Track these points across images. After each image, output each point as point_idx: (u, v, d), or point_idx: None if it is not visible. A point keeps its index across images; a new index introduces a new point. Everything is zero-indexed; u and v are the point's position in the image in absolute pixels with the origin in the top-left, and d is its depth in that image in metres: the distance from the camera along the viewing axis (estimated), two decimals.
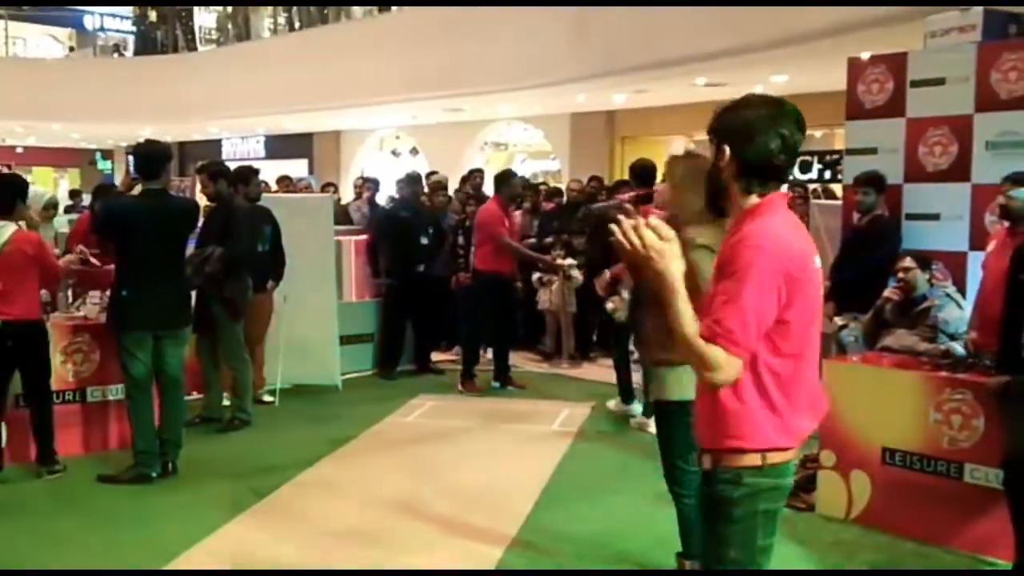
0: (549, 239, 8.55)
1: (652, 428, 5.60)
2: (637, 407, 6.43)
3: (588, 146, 14.79)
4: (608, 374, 7.91)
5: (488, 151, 18.13)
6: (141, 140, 5.51)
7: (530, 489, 4.99)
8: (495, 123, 16.98)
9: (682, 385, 3.25)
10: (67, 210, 13.23)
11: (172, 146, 22.83)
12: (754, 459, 2.18)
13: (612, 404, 6.68)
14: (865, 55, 5.63)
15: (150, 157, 5.22)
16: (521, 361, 8.66)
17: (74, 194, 16.67)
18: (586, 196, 9.27)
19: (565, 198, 9.37)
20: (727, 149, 2.25)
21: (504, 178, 7.63)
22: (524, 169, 18.09)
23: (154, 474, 5.12)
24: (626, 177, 10.83)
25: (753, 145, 2.21)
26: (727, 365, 2.08)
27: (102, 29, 21.48)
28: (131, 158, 5.65)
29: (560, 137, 15.74)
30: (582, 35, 10.90)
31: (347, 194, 13.96)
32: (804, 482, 4.72)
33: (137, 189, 5.26)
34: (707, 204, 2.49)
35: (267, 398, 6.89)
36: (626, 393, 6.57)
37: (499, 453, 5.67)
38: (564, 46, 11.23)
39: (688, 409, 2.61)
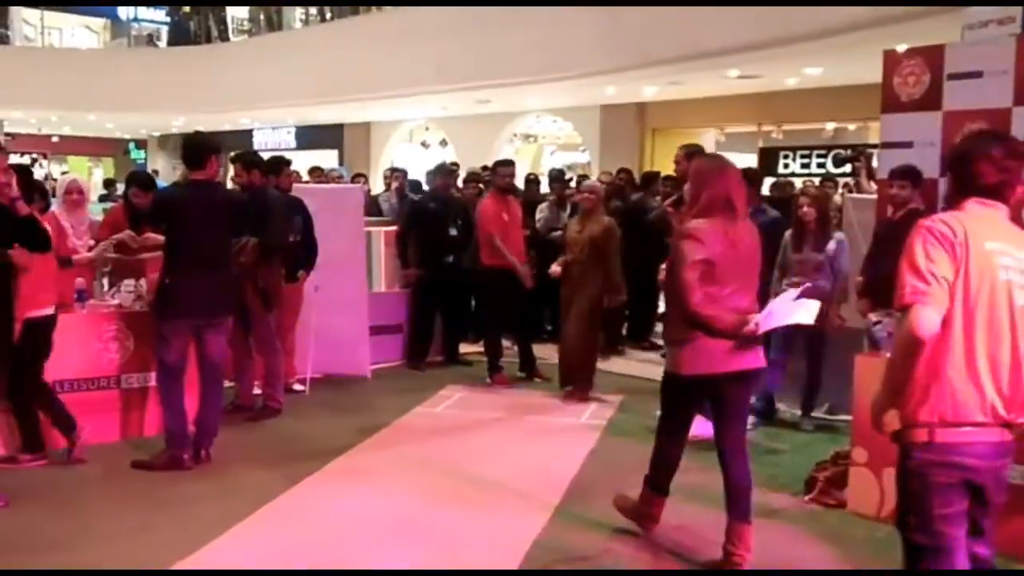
0: None
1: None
2: None
3: (618, 138, 14.75)
4: (637, 367, 7.92)
5: (517, 143, 18.14)
6: (173, 130, 5.58)
7: (558, 482, 5.00)
8: (524, 115, 16.98)
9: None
10: (101, 199, 13.42)
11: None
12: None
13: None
14: (901, 48, 5.56)
15: (195, 148, 5.31)
16: (549, 354, 8.65)
17: (108, 183, 16.87)
18: (615, 189, 9.24)
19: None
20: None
21: (492, 169, 7.84)
22: (554, 161, 18.06)
23: (186, 457, 5.20)
24: (656, 169, 10.83)
25: None
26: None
27: (136, 19, 21.70)
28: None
29: (590, 129, 15.71)
30: (613, 27, 10.85)
31: (377, 185, 14.01)
32: (835, 479, 4.69)
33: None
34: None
35: (298, 387, 6.95)
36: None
37: (527, 445, 5.68)
38: (595, 38, 11.20)
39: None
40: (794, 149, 13.05)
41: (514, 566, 3.91)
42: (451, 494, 4.84)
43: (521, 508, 4.64)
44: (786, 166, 13.01)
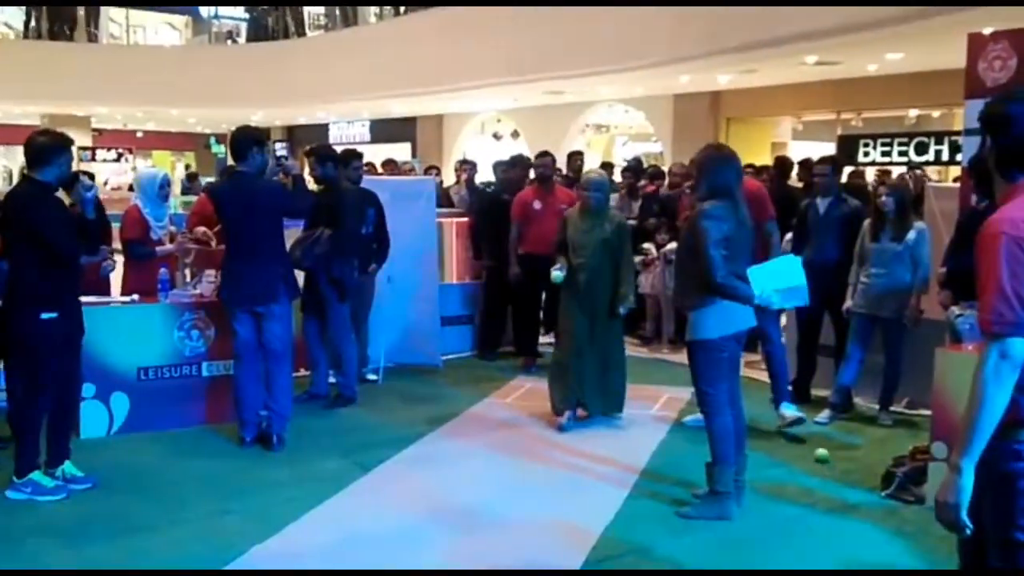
0: (652, 221, 8.47)
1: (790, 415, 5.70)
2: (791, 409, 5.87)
3: (691, 128, 14.57)
4: None
5: (589, 133, 18.05)
6: (252, 124, 5.72)
7: (627, 473, 4.99)
8: (596, 105, 16.88)
9: (704, 326, 4.24)
10: (184, 191, 13.82)
11: (282, 130, 23.60)
12: None
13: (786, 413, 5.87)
14: (986, 31, 5.37)
15: (237, 140, 5.46)
16: None
17: (192, 177, 17.35)
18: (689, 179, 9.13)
19: (667, 181, 9.25)
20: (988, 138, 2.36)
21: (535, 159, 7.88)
22: (625, 152, 17.94)
23: (248, 438, 5.41)
24: None
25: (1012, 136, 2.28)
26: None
27: (216, 16, 22.24)
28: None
29: (662, 119, 15.54)
30: (686, 15, 10.70)
31: (449, 177, 14.12)
32: (914, 475, 4.57)
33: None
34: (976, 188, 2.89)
35: (371, 376, 7.07)
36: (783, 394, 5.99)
37: (597, 436, 5.67)
38: (667, 26, 11.07)
39: (708, 345, 4.24)
40: (874, 137, 12.70)
41: (582, 557, 3.92)
42: (521, 484, 4.88)
43: (590, 499, 4.64)
44: (866, 154, 12.68)
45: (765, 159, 11.90)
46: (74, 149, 18.98)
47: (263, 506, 4.47)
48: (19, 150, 23.77)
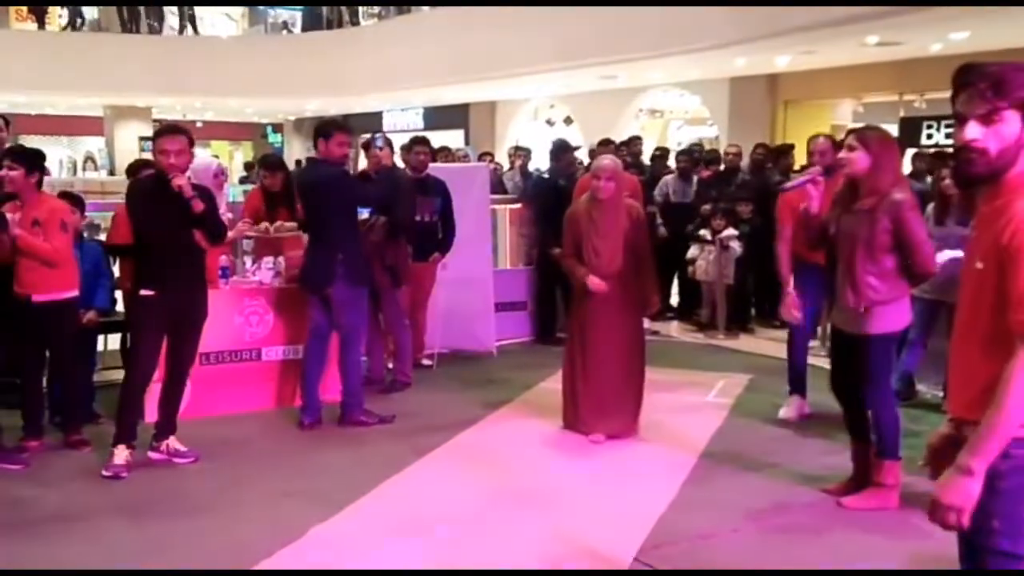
0: (707, 207, 8.37)
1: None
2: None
3: (748, 111, 14.33)
4: (766, 346, 7.73)
5: (643, 118, 17.88)
6: (308, 113, 5.84)
7: (683, 461, 4.95)
8: (650, 89, 16.69)
9: (891, 319, 4.18)
10: (242, 181, 14.03)
11: (336, 118, 23.73)
12: None
13: None
14: None
15: (316, 130, 5.61)
16: (676, 331, 8.57)
17: (248, 166, 17.61)
18: (753, 164, 9.03)
19: (722, 164, 9.13)
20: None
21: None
22: (681, 136, 17.73)
23: (306, 421, 5.53)
24: (790, 141, 10.46)
25: None
26: None
27: (272, 7, 22.48)
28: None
29: (718, 102, 15.31)
30: None
31: (502, 163, 14.11)
32: None
33: None
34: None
35: (426, 362, 7.12)
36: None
37: (652, 422, 5.62)
38: (723, 8, 10.87)
39: (891, 338, 4.24)
40: (938, 119, 12.35)
41: (637, 544, 3.89)
42: (575, 469, 4.87)
43: (645, 484, 4.62)
44: (929, 136, 12.35)
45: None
46: (136, 139, 19.31)
47: (321, 488, 4.53)
48: (83, 141, 24.38)
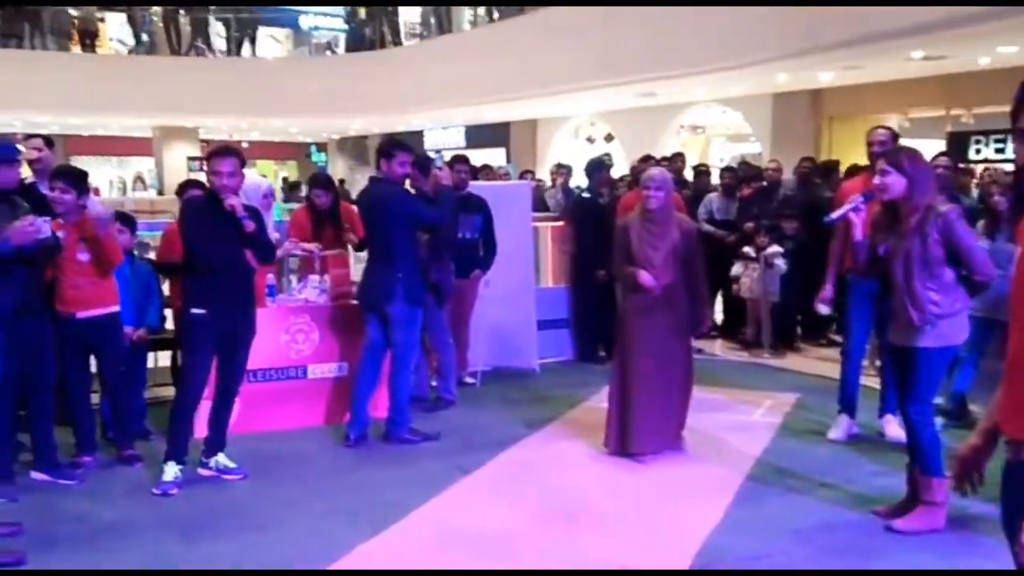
0: (750, 225, 8.31)
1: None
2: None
3: (792, 127, 14.23)
4: (814, 365, 7.64)
5: (684, 135, 17.83)
6: (351, 133, 5.94)
7: (729, 481, 4.90)
8: (691, 106, 16.66)
9: (948, 334, 4.14)
10: (286, 200, 14.22)
11: (379, 138, 24.04)
12: None
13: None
14: None
15: (378, 150, 5.73)
16: (720, 350, 8.50)
17: (293, 186, 17.84)
18: (800, 178, 8.98)
19: (764, 182, 9.06)
20: None
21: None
22: (723, 153, 17.65)
23: (351, 435, 5.57)
24: (835, 157, 10.36)
25: None
26: None
27: (316, 28, 22.82)
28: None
29: (761, 119, 15.22)
30: (783, 11, 10.45)
31: (544, 181, 14.14)
32: None
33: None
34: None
35: (469, 380, 7.14)
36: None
37: (698, 442, 5.57)
38: (764, 23, 10.83)
39: (948, 353, 4.22)
40: (986, 133, 12.16)
41: (684, 565, 3.87)
42: (621, 487, 4.85)
43: (693, 504, 4.58)
44: (978, 151, 12.16)
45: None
46: (184, 159, 19.66)
47: (368, 506, 4.56)
48: (133, 161, 24.85)
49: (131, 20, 19.62)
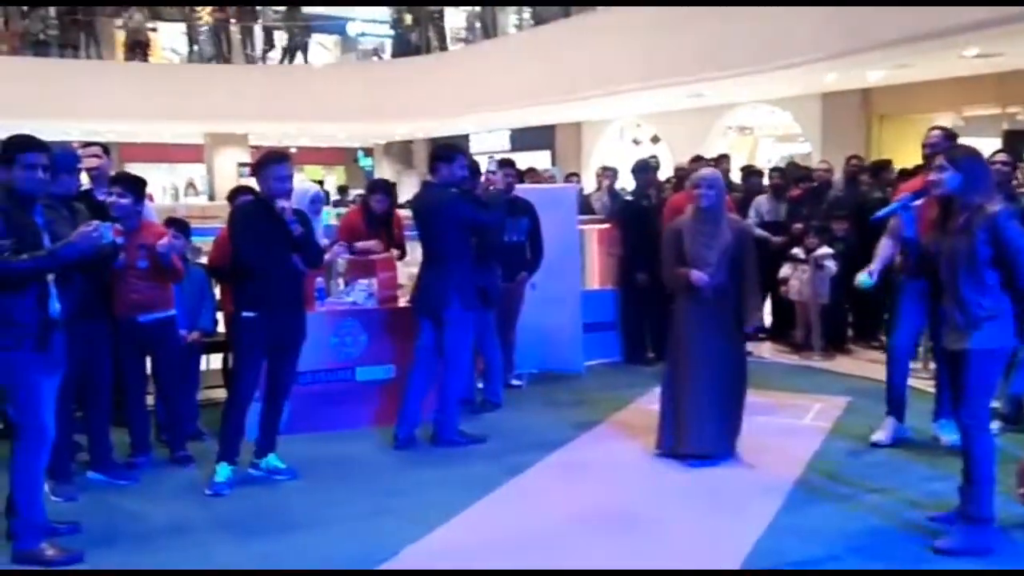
0: (799, 226, 8.21)
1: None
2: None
3: (841, 127, 14.02)
4: (866, 368, 7.51)
5: (732, 136, 17.67)
6: (397, 137, 5.99)
7: (779, 484, 4.85)
8: (739, 107, 16.50)
9: (1000, 335, 3.96)
10: (335, 204, 14.39)
11: (425, 142, 24.19)
12: None
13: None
14: None
15: (432, 154, 5.79)
16: (769, 353, 8.41)
17: (342, 190, 18.04)
18: (847, 177, 8.85)
19: (814, 182, 8.93)
20: None
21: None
22: (771, 153, 17.46)
23: (399, 435, 5.61)
24: (887, 157, 10.19)
25: None
26: None
27: (363, 34, 23.03)
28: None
29: (810, 118, 15.03)
30: (832, 10, 10.31)
31: (588, 184, 14.11)
32: None
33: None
34: None
35: (515, 382, 7.15)
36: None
37: (747, 445, 5.49)
38: (811, 23, 10.69)
39: (999, 355, 3.99)
40: None
41: (734, 568, 3.83)
42: (668, 492, 4.82)
43: (740, 509, 4.54)
44: None
45: (921, 158, 11.30)
46: (234, 165, 19.94)
47: (415, 507, 4.59)
48: (184, 168, 25.33)
49: (191, 29, 19.95)
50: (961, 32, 9.28)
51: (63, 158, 4.75)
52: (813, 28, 10.67)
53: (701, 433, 5.14)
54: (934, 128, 5.56)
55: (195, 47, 20.12)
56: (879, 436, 5.54)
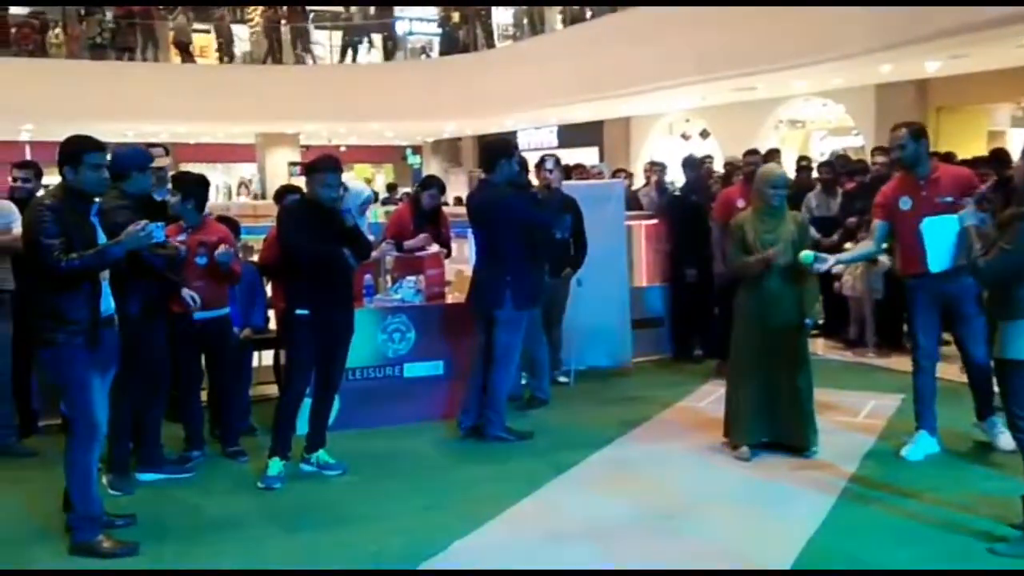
0: (852, 220, 8.05)
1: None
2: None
3: (896, 119, 13.60)
4: None
5: (783, 130, 17.42)
6: (445, 135, 6.01)
7: (834, 480, 4.78)
8: (790, 100, 16.25)
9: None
10: (384, 202, 14.50)
11: (472, 139, 24.27)
12: None
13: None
14: None
15: (486, 152, 5.83)
16: (822, 349, 8.27)
17: (390, 188, 18.17)
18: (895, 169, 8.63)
19: (868, 175, 8.74)
20: None
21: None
22: (824, 147, 17.18)
23: (462, 424, 5.70)
24: (946, 150, 9.96)
25: None
26: None
27: (411, 33, 23.16)
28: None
29: (864, 111, 14.75)
30: None
31: (637, 179, 14.02)
32: None
33: None
34: None
35: (562, 379, 7.13)
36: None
37: None
38: (865, 13, 10.48)
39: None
40: None
41: (786, 567, 3.78)
42: (717, 490, 4.77)
43: (792, 506, 4.48)
44: None
45: (980, 150, 11.03)
46: (285, 164, 20.24)
47: (463, 503, 4.61)
48: (238, 167, 25.71)
49: (268, 32, 20.22)
50: (1020, 21, 9.03)
51: (136, 156, 4.86)
52: (868, 18, 10.47)
53: (790, 423, 5.20)
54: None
55: (246, 48, 20.42)
56: (908, 451, 5.18)
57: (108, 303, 4.08)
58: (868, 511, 4.40)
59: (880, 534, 4.11)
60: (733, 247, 5.30)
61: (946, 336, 5.36)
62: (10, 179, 5.83)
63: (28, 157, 14.73)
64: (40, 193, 4.99)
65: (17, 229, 5.04)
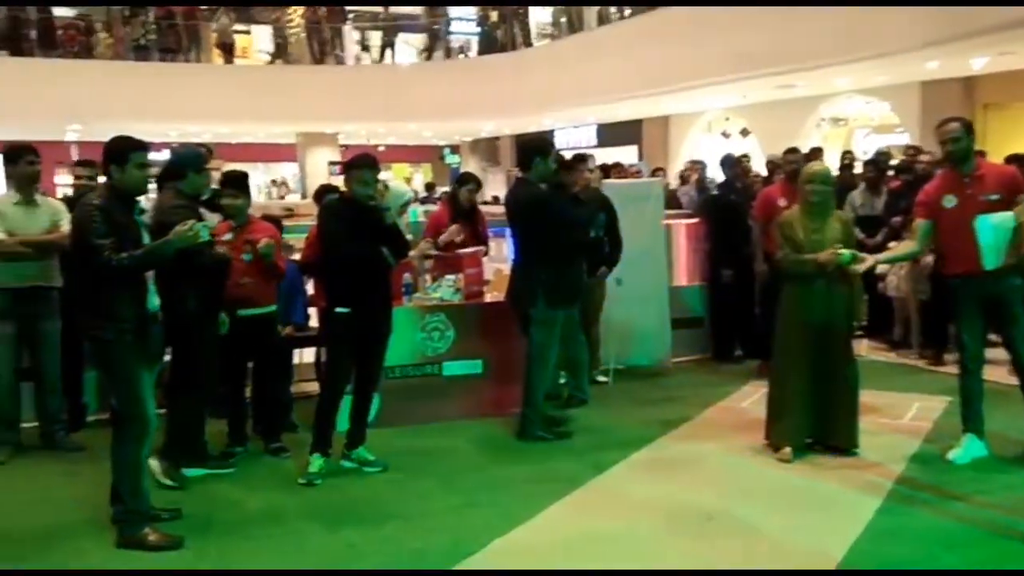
0: (897, 219, 7.93)
1: None
2: None
3: (942, 117, 13.51)
4: None
5: (825, 128, 17.19)
6: (483, 134, 6.04)
7: (878, 484, 4.70)
8: (832, 97, 16.04)
9: None
10: (423, 201, 14.57)
11: (510, 138, 24.24)
12: None
13: None
14: None
15: (522, 150, 5.82)
16: (866, 350, 8.15)
17: (429, 187, 18.25)
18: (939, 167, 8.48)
19: (913, 174, 8.60)
20: None
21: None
22: (867, 145, 16.93)
23: (540, 431, 5.69)
24: (993, 148, 9.76)
25: None
26: None
27: (449, 32, 23.23)
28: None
29: (908, 108, 14.52)
30: None
31: (676, 178, 13.93)
32: None
33: None
34: None
35: (601, 378, 7.11)
36: None
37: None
38: (910, 8, 10.31)
39: None
40: None
41: (830, 569, 3.73)
42: (758, 491, 4.72)
43: (835, 509, 4.42)
44: None
45: None
46: (325, 164, 20.38)
47: (502, 501, 4.61)
48: (278, 167, 25.93)
49: (312, 34, 20.39)
50: None
51: (192, 157, 4.93)
52: (913, 14, 10.29)
53: (835, 422, 5.19)
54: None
55: (286, 49, 20.61)
56: (955, 454, 5.08)
57: (153, 300, 4.14)
58: (914, 514, 4.33)
59: (927, 537, 4.04)
60: (784, 245, 5.23)
61: (994, 338, 5.24)
62: (73, 177, 5.96)
63: (75, 157, 15.00)
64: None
65: (65, 227, 5.14)
